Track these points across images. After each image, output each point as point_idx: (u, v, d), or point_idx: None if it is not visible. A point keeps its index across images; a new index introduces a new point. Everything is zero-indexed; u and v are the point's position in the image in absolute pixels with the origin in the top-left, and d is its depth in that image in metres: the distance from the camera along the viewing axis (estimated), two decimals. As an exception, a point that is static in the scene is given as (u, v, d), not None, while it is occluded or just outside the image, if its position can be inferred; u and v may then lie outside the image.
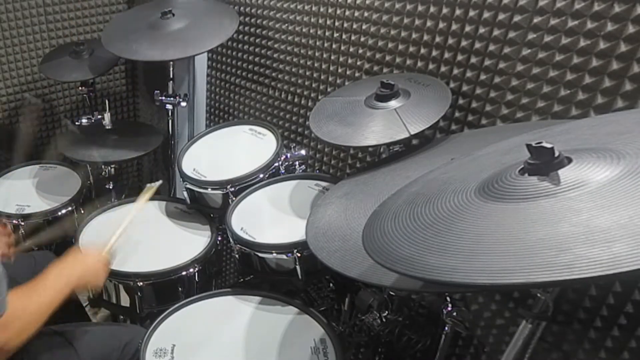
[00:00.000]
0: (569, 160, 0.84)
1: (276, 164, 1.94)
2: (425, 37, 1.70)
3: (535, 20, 1.41)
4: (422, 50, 1.72)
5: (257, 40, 2.34)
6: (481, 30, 1.54)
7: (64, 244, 2.12)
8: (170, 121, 2.55)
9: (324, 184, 1.88)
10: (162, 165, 3.15)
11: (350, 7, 1.89)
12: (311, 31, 2.07)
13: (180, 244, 2.01)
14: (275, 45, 2.26)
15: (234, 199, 1.88)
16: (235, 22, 2.15)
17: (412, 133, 1.48)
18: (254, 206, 1.87)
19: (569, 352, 1.52)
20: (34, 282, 1.43)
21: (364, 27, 1.87)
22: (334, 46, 2.01)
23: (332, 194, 1.54)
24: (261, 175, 1.91)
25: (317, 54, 2.09)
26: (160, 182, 2.06)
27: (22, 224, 2.23)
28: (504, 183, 0.87)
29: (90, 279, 1.60)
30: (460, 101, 1.65)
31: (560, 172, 0.83)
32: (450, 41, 1.63)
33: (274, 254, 1.66)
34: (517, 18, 1.45)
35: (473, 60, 1.59)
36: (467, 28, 1.58)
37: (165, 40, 2.11)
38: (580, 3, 1.32)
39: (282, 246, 1.64)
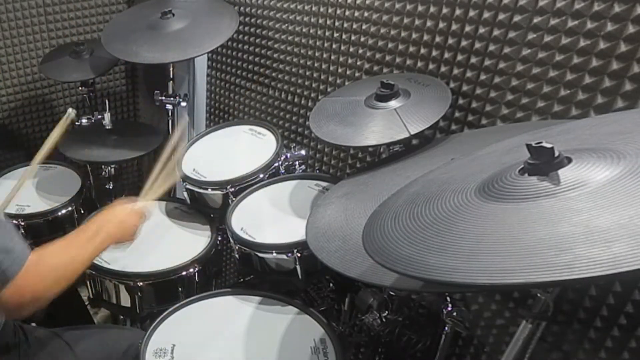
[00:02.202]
0: (569, 160, 0.84)
1: (276, 164, 1.94)
2: (425, 37, 1.70)
3: (535, 20, 1.41)
4: (422, 50, 1.72)
5: (257, 40, 2.35)
6: (481, 30, 1.54)
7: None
8: (170, 121, 2.55)
9: (324, 184, 1.88)
10: (162, 165, 3.15)
11: (350, 7, 1.89)
12: (311, 31, 2.07)
13: (180, 244, 2.01)
14: (275, 45, 2.26)
15: (234, 199, 1.88)
16: (236, 22, 2.15)
17: (412, 133, 1.48)
18: (254, 206, 1.86)
19: (569, 352, 1.52)
20: (72, 235, 1.47)
21: (364, 27, 1.88)
22: (334, 46, 2.01)
23: (332, 194, 1.54)
24: (261, 175, 1.91)
25: (317, 54, 2.09)
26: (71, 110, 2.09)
27: (22, 224, 2.23)
28: (504, 183, 0.87)
29: (124, 235, 1.66)
30: (460, 101, 1.66)
31: (560, 172, 0.82)
32: (450, 41, 1.63)
33: (274, 254, 1.66)
34: (517, 18, 1.45)
35: (473, 60, 1.59)
36: (467, 28, 1.58)
37: (165, 41, 2.11)
38: (580, 3, 1.32)
39: (282, 246, 1.64)
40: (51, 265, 1.34)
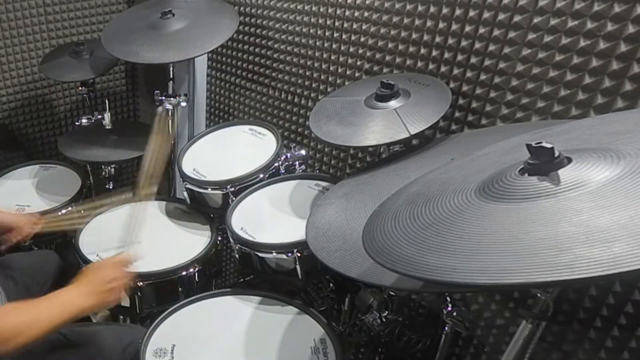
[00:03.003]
0: (569, 160, 0.84)
1: (276, 164, 1.94)
2: (425, 37, 1.70)
3: (535, 20, 1.42)
4: (422, 50, 1.72)
5: (257, 40, 2.35)
6: (481, 30, 1.55)
7: (64, 243, 2.12)
8: (170, 121, 2.55)
9: (324, 184, 1.89)
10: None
11: (350, 7, 1.90)
12: (311, 31, 2.08)
13: (180, 244, 2.01)
14: (275, 45, 2.27)
15: (234, 198, 1.88)
16: (236, 22, 2.15)
17: (412, 133, 1.48)
18: (254, 206, 1.87)
19: (569, 352, 1.53)
20: (43, 298, 1.39)
21: (364, 27, 1.88)
22: (334, 46, 2.01)
23: (332, 194, 1.54)
24: (261, 175, 1.91)
25: (317, 54, 2.09)
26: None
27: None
28: (504, 183, 0.87)
29: (107, 301, 1.51)
30: (460, 101, 1.66)
31: (560, 172, 0.82)
32: (450, 41, 1.64)
33: (274, 254, 1.66)
34: (517, 18, 1.45)
35: (473, 60, 1.59)
36: (467, 28, 1.58)
37: (165, 41, 2.11)
38: (580, 3, 1.32)
39: (282, 246, 1.64)
40: (10, 328, 1.28)
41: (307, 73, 2.16)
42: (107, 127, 2.54)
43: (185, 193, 2.01)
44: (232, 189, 1.89)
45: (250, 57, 2.43)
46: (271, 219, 1.81)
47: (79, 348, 1.59)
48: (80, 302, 1.42)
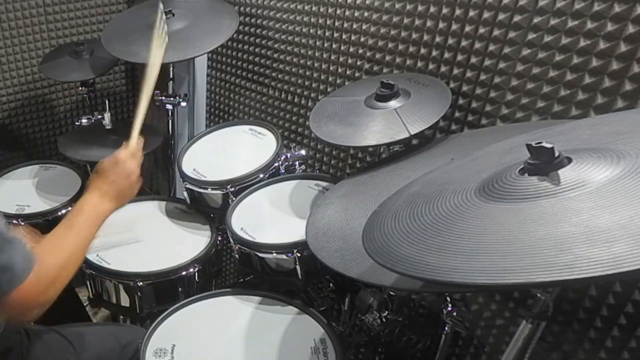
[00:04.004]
0: (569, 160, 0.84)
1: (276, 164, 1.95)
2: (425, 37, 1.70)
3: (535, 20, 1.42)
4: (422, 50, 1.73)
5: (257, 41, 2.36)
6: (481, 30, 1.55)
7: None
8: (170, 121, 2.56)
9: (324, 184, 1.89)
10: (162, 165, 3.16)
11: (350, 7, 1.90)
12: (311, 31, 2.08)
13: (180, 244, 2.01)
14: (275, 46, 2.27)
15: (234, 199, 1.89)
16: (236, 22, 2.16)
17: (412, 133, 1.48)
18: (254, 206, 1.87)
19: (569, 351, 1.53)
20: (61, 222, 1.36)
21: (363, 27, 1.88)
22: (334, 46, 2.02)
23: (332, 194, 1.54)
24: (261, 175, 1.91)
25: (317, 54, 2.10)
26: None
27: (22, 224, 2.21)
28: (504, 183, 0.87)
29: (129, 197, 1.52)
30: (460, 101, 1.66)
31: (560, 172, 0.83)
32: (450, 41, 1.64)
33: (274, 254, 1.66)
34: (517, 18, 1.46)
35: (473, 60, 1.60)
36: (467, 28, 1.58)
37: None
38: (580, 3, 1.32)
39: (282, 246, 1.64)
40: (53, 268, 1.25)
41: (307, 73, 2.17)
42: (107, 127, 2.52)
43: (185, 193, 2.01)
44: (232, 189, 1.89)
45: (250, 57, 2.43)
46: (271, 219, 1.81)
47: (78, 348, 1.59)
48: (105, 207, 1.42)
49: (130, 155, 1.56)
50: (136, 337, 1.65)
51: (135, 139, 1.62)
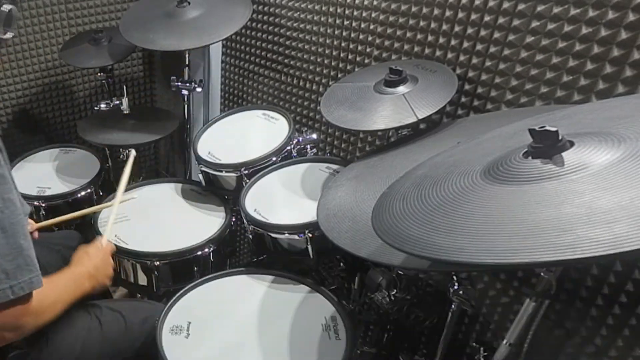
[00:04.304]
0: (571, 144, 0.85)
1: (288, 148, 1.96)
2: (433, 25, 1.71)
3: (538, 9, 1.43)
4: (430, 38, 1.73)
5: (270, 28, 2.36)
6: (486, 18, 1.56)
7: (83, 224, 2.16)
8: (186, 106, 2.58)
9: (334, 166, 1.90)
10: (178, 149, 3.17)
11: (361, -4, 1.91)
12: (322, 19, 2.09)
13: (195, 225, 2.03)
14: (288, 33, 2.28)
15: (247, 181, 1.90)
16: (249, 10, 2.16)
17: (420, 118, 1.50)
18: (267, 188, 1.88)
19: (571, 329, 1.54)
20: (61, 276, 1.43)
21: (373, 15, 1.89)
22: (344, 33, 2.02)
23: (342, 177, 1.55)
24: (274, 159, 1.93)
25: (327, 41, 2.10)
26: (133, 152, 2.07)
27: (43, 205, 2.27)
28: (509, 166, 0.88)
29: (101, 279, 1.58)
30: (467, 87, 1.67)
31: (562, 155, 0.84)
32: (457, 29, 1.65)
33: (287, 235, 1.68)
34: (521, 6, 1.47)
35: (479, 47, 1.60)
36: (473, 16, 1.59)
37: (181, 29, 2.13)
38: (582, -8, 1.34)
39: (294, 227, 1.66)
40: (54, 296, 1.34)
41: (318, 60, 2.17)
42: (125, 112, 2.56)
43: (200, 175, 2.03)
44: (246, 171, 1.91)
45: (264, 44, 2.44)
46: (283, 201, 1.82)
47: (103, 322, 1.62)
48: (88, 283, 1.50)
49: (107, 251, 1.66)
50: (153, 312, 1.68)
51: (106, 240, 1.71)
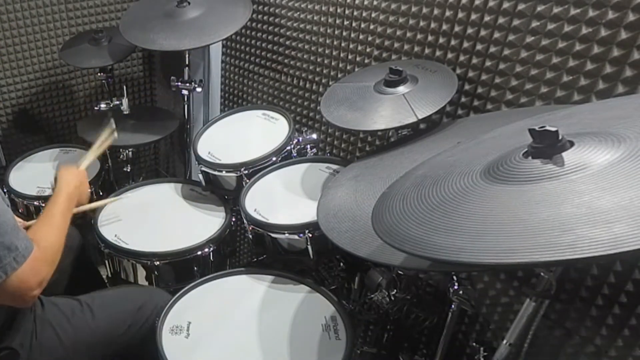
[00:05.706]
0: (572, 144, 0.85)
1: (288, 148, 1.96)
2: (433, 25, 1.71)
3: (538, 9, 1.43)
4: (430, 38, 1.73)
5: (270, 28, 2.36)
6: (486, 18, 1.56)
7: (84, 224, 2.16)
8: (186, 106, 2.58)
9: (334, 166, 1.89)
10: (178, 149, 3.18)
11: (360, -4, 1.91)
12: (322, 19, 2.09)
13: (195, 225, 2.04)
14: (288, 33, 2.28)
15: (247, 181, 1.90)
16: (249, 10, 2.16)
17: (420, 118, 1.49)
18: (267, 188, 1.88)
19: (571, 329, 1.54)
20: (41, 216, 1.57)
21: (373, 14, 1.89)
22: (344, 33, 2.02)
23: (342, 177, 1.55)
24: (274, 159, 1.92)
25: (327, 41, 2.10)
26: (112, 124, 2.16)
27: (43, 205, 2.24)
28: (509, 166, 0.88)
29: (81, 195, 1.80)
30: (467, 87, 1.67)
31: (562, 155, 0.83)
32: (457, 29, 1.65)
33: (286, 235, 1.67)
34: (521, 6, 1.47)
35: (479, 47, 1.60)
36: (473, 16, 1.59)
37: (181, 29, 2.12)
38: (582, -8, 1.34)
39: (294, 227, 1.65)
40: (49, 248, 1.44)
41: (318, 60, 2.17)
42: (125, 112, 2.56)
43: (200, 175, 2.03)
44: (246, 171, 1.90)
45: (264, 44, 2.44)
46: (283, 201, 1.82)
47: (95, 311, 1.63)
48: (70, 204, 1.66)
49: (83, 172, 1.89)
50: (151, 298, 1.69)
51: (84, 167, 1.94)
